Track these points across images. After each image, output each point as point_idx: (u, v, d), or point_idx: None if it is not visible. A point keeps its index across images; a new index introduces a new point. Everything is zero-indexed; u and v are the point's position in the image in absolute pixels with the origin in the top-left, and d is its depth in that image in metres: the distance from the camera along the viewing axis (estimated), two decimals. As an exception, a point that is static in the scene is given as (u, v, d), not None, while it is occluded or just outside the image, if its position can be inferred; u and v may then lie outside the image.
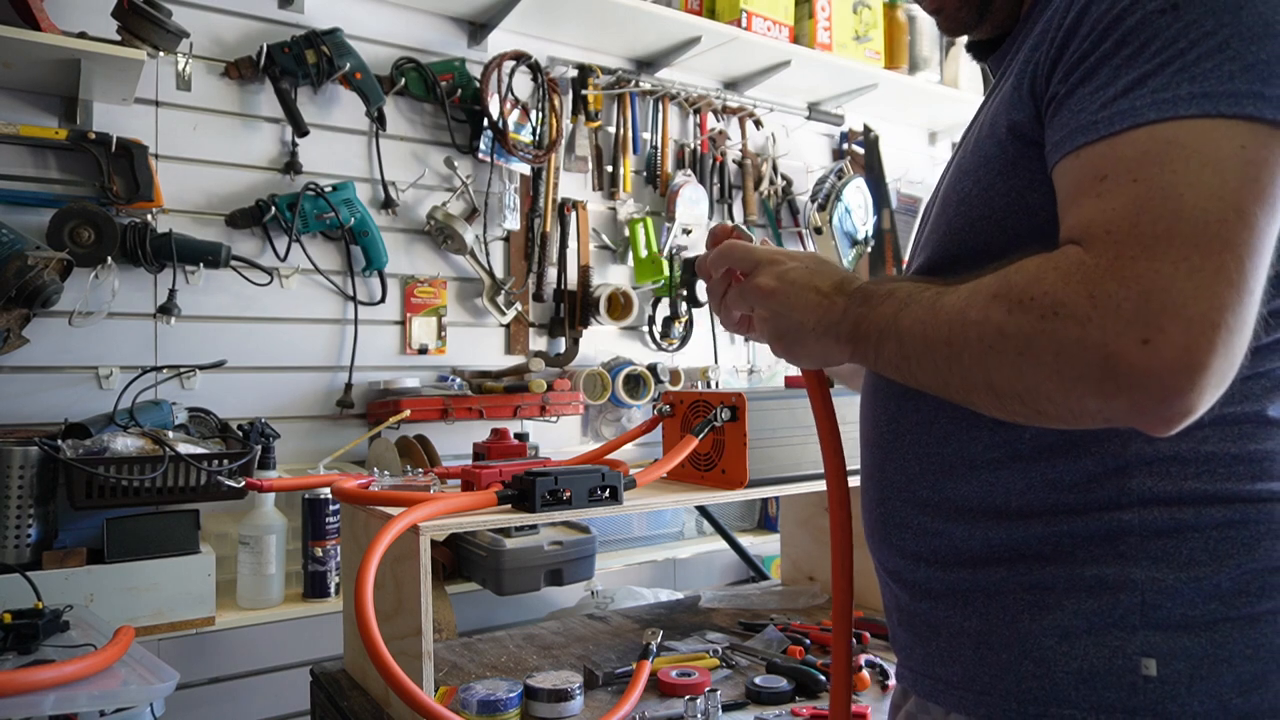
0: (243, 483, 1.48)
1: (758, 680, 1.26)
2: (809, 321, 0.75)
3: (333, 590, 1.76)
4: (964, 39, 0.89)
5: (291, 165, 1.99)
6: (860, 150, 2.87)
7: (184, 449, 1.61)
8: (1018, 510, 0.70)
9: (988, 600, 0.72)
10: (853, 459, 0.90)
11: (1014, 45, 0.79)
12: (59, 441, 1.54)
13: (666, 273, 2.44)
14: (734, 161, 2.69)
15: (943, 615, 0.75)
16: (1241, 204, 0.53)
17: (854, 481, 0.91)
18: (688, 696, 1.18)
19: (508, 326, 2.30)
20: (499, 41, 2.27)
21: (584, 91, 2.39)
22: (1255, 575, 0.64)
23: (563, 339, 2.38)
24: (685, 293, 2.49)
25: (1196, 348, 0.51)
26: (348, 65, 1.99)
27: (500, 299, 2.24)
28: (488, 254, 2.24)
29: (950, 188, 0.77)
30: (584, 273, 2.40)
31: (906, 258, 2.64)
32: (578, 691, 1.19)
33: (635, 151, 2.50)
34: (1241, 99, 0.54)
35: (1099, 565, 0.66)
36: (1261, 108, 0.54)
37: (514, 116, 2.23)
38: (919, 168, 3.10)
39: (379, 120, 2.08)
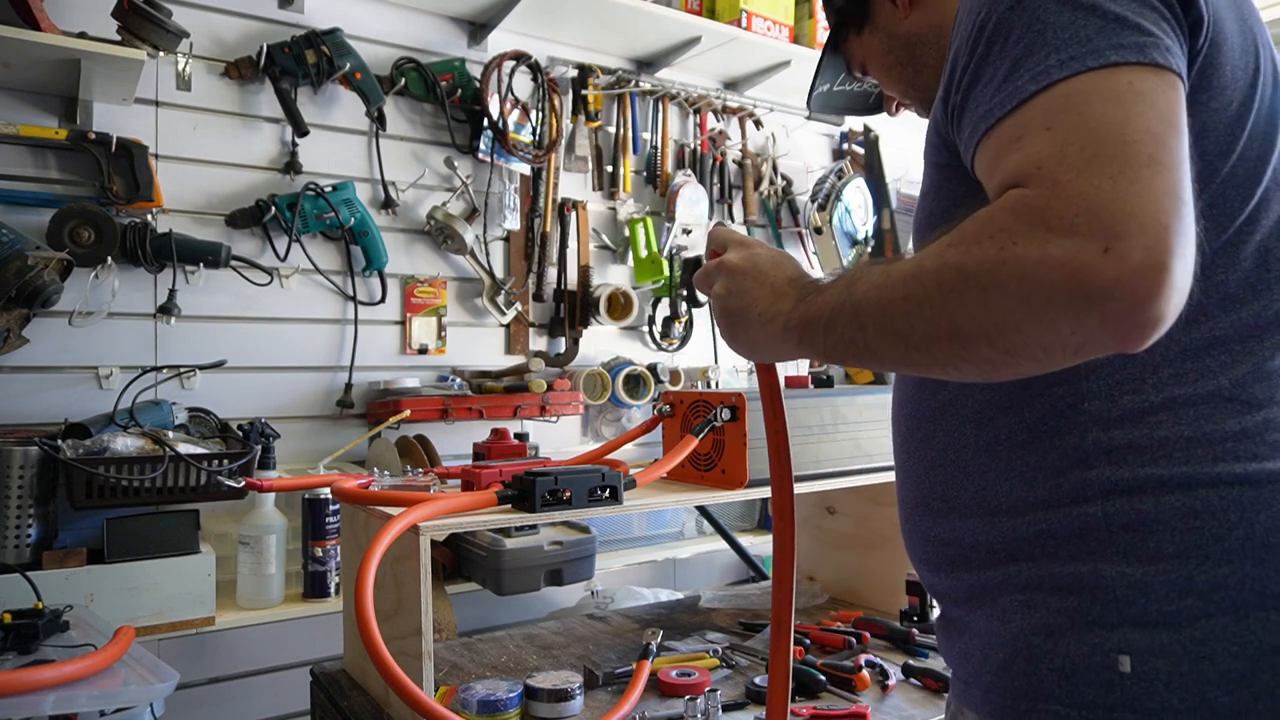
0: (243, 483, 1.48)
1: (758, 680, 1.26)
2: (756, 306, 0.78)
3: (333, 590, 1.76)
4: None
5: (291, 165, 1.99)
6: (860, 150, 2.87)
7: (184, 449, 1.61)
8: (1004, 509, 0.73)
9: (991, 601, 0.74)
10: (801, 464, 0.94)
11: None
12: (59, 441, 1.54)
13: (666, 273, 2.44)
14: (734, 161, 2.69)
15: (964, 619, 0.78)
16: (1150, 125, 0.55)
17: (801, 488, 0.98)
18: (688, 696, 1.18)
19: (508, 326, 2.30)
20: (499, 41, 2.27)
21: (584, 91, 2.39)
22: (1233, 568, 0.64)
23: (563, 339, 2.38)
24: (685, 293, 2.49)
25: (1157, 248, 0.51)
26: (348, 65, 1.99)
27: (500, 299, 2.24)
28: (488, 254, 2.24)
29: (917, 210, 0.85)
30: (584, 273, 2.40)
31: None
32: (578, 691, 1.19)
33: (635, 151, 2.50)
34: (1104, 52, 0.58)
35: (1074, 563, 0.68)
36: (1124, 54, 0.58)
37: (514, 116, 2.23)
38: (919, 168, 3.10)
39: (379, 120, 2.08)
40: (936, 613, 1.55)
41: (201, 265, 1.85)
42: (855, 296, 0.66)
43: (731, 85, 2.69)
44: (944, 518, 0.79)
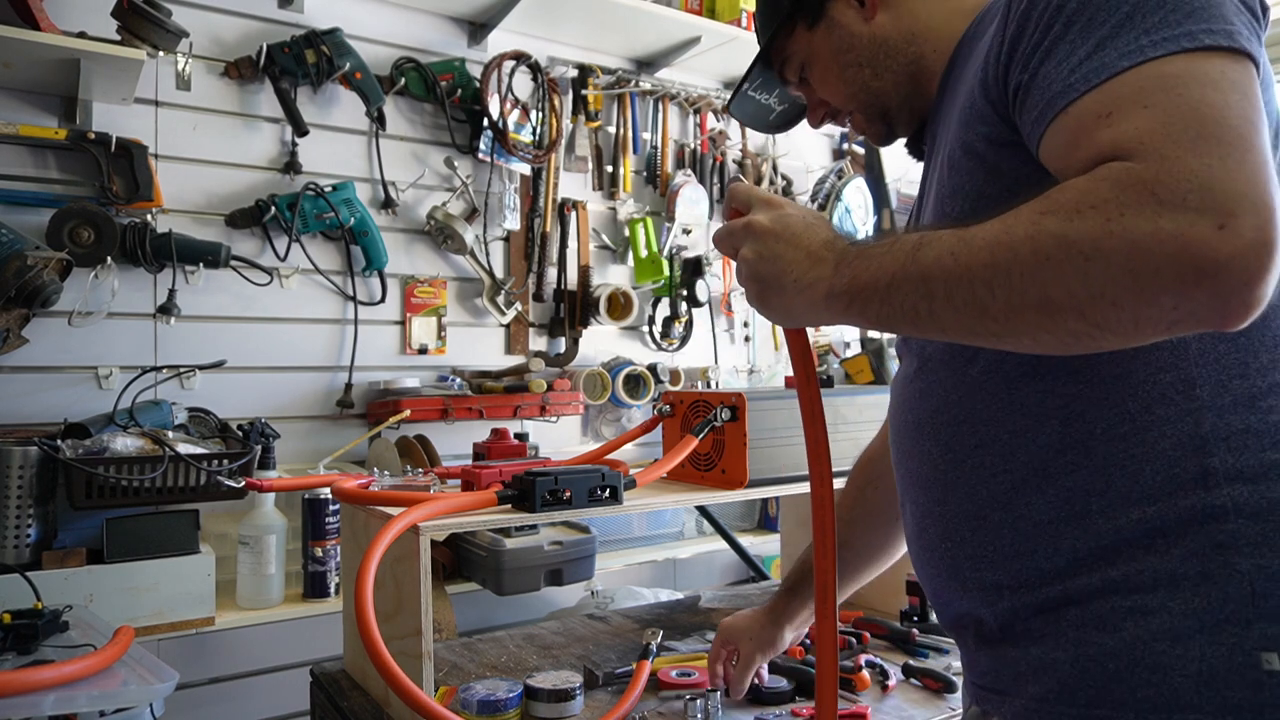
0: (243, 483, 1.48)
1: (757, 680, 1.26)
2: (792, 272, 0.73)
3: (333, 590, 1.76)
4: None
5: (291, 165, 1.99)
6: (860, 150, 2.87)
7: (184, 449, 1.61)
8: (1099, 509, 0.68)
9: (1082, 611, 0.69)
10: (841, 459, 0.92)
11: (937, 114, 0.86)
12: (59, 441, 1.54)
13: (666, 273, 2.44)
14: (734, 161, 2.69)
15: (1035, 634, 0.71)
16: (1247, 113, 0.56)
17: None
18: (688, 696, 1.18)
19: (508, 326, 2.30)
20: (499, 41, 2.27)
21: (584, 91, 2.39)
22: None
23: (563, 339, 2.38)
24: (685, 293, 2.49)
25: (1267, 227, 0.52)
26: (348, 65, 1.98)
27: (500, 299, 2.24)
28: (488, 254, 2.24)
29: (936, 215, 0.79)
30: (584, 273, 2.40)
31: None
32: (578, 691, 1.19)
33: (635, 151, 2.50)
34: (1198, 35, 0.58)
35: (1198, 559, 0.64)
36: (1217, 39, 0.58)
37: (514, 116, 2.23)
38: (918, 168, 3.10)
39: (379, 120, 2.08)
40: (932, 616, 1.55)
41: (201, 265, 1.85)
42: (923, 264, 0.63)
43: (732, 85, 2.68)
44: (1010, 529, 0.73)
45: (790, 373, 2.13)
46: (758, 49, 0.99)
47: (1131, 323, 0.56)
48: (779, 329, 2.69)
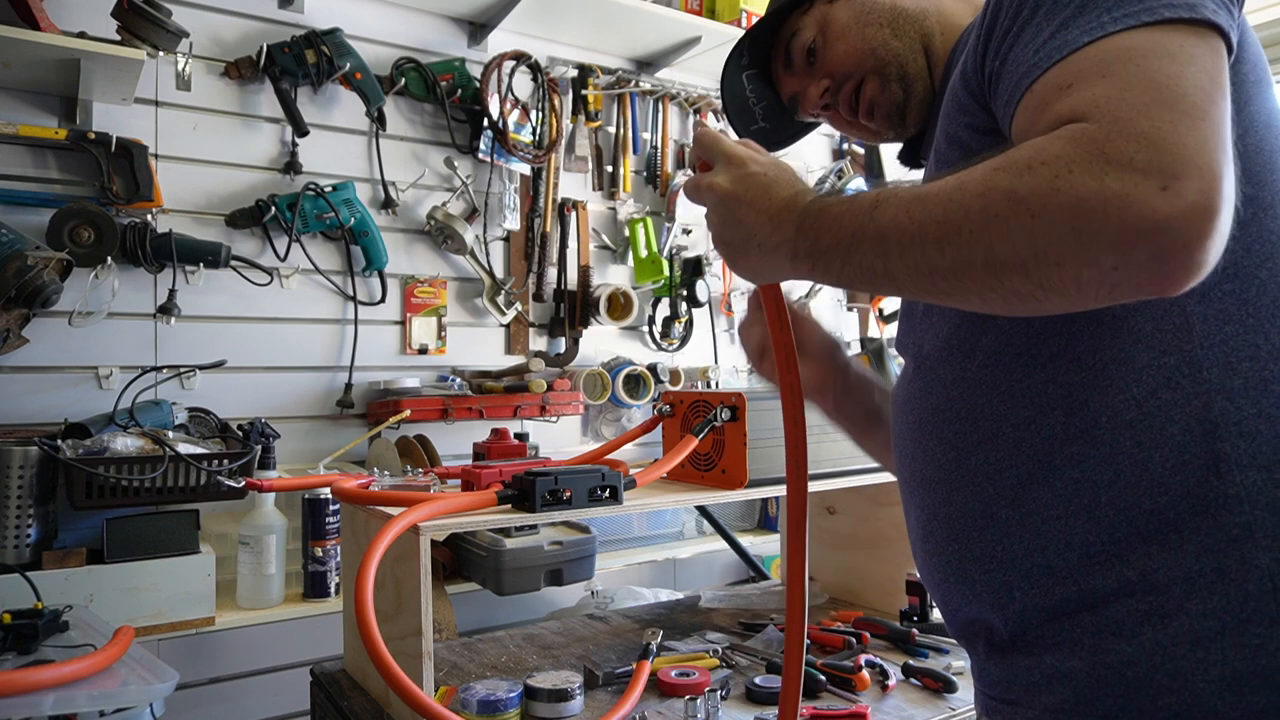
0: (243, 483, 1.48)
1: (758, 680, 1.26)
2: (756, 235, 0.74)
3: (333, 590, 1.76)
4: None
5: (291, 165, 1.99)
6: (860, 150, 2.87)
7: (184, 449, 1.61)
8: (1110, 502, 0.65)
9: (1098, 617, 0.66)
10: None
11: (938, 108, 0.85)
12: (59, 441, 1.54)
13: (666, 273, 2.44)
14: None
15: (1049, 641, 0.69)
16: (1202, 84, 0.56)
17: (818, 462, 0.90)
18: (688, 696, 1.18)
19: (508, 326, 2.30)
20: (499, 41, 2.27)
21: (584, 91, 2.39)
22: None
23: (563, 339, 2.38)
24: (685, 293, 2.49)
25: (1211, 192, 0.52)
26: (348, 65, 1.99)
27: (500, 299, 2.24)
28: (488, 254, 2.24)
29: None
30: (584, 273, 2.40)
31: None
32: (578, 691, 1.19)
33: (635, 151, 2.50)
34: (1157, 10, 0.59)
35: (1213, 554, 0.62)
36: (1178, 11, 0.58)
37: (514, 116, 2.23)
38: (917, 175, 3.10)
39: (379, 120, 2.08)
40: (935, 614, 1.55)
41: (201, 265, 1.85)
42: (880, 222, 0.63)
43: (731, 85, 2.68)
44: (1018, 525, 0.70)
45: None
46: (766, 24, 0.98)
47: (1074, 283, 0.56)
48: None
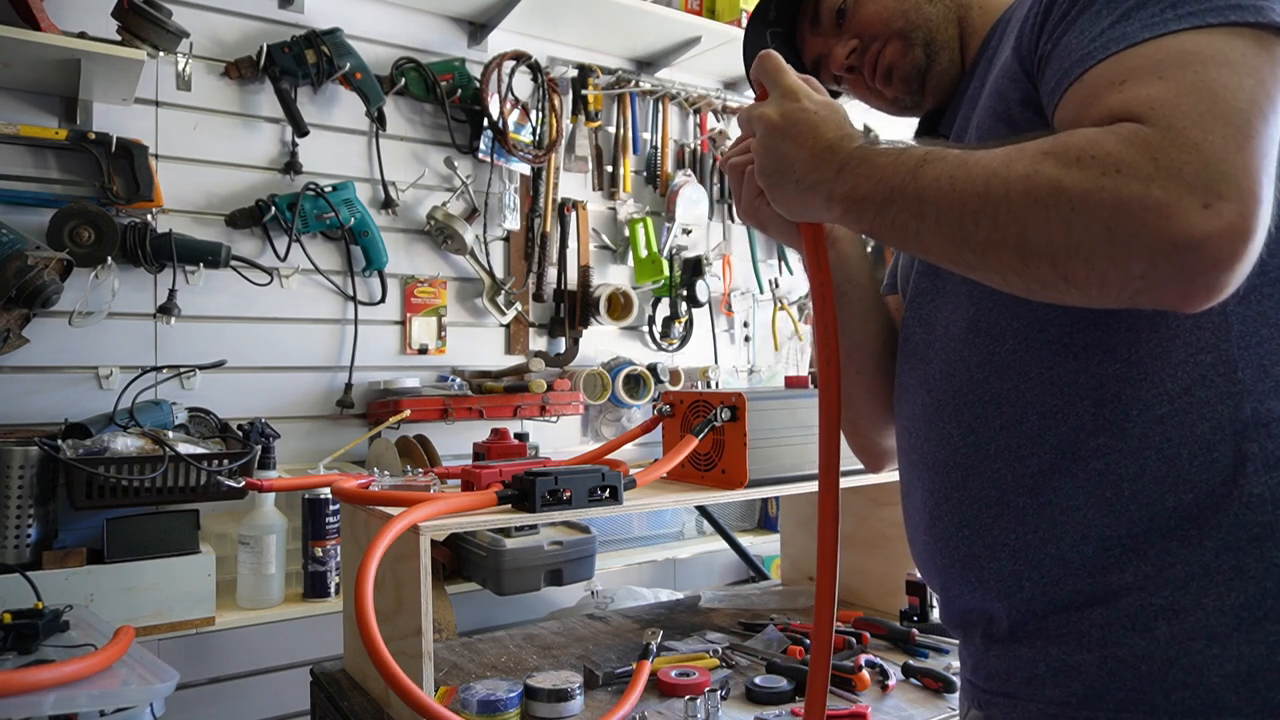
0: (243, 483, 1.48)
1: (758, 680, 1.27)
2: (795, 171, 0.72)
3: (333, 590, 1.76)
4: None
5: (291, 165, 1.99)
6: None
7: (184, 449, 1.61)
8: (1133, 496, 0.65)
9: (1109, 610, 0.66)
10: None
11: (964, 94, 0.84)
12: (59, 441, 1.54)
13: (666, 273, 2.44)
14: (734, 161, 2.68)
15: (1053, 633, 0.69)
16: (1257, 99, 0.55)
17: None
18: (688, 696, 1.18)
19: (508, 326, 2.30)
20: (499, 41, 2.27)
21: (584, 91, 2.39)
22: None
23: (563, 339, 2.38)
24: (685, 293, 2.50)
25: (1249, 215, 0.52)
26: (348, 65, 1.99)
27: (500, 299, 2.24)
28: (488, 254, 2.24)
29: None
30: (584, 273, 2.40)
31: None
32: (578, 691, 1.19)
33: (635, 151, 2.50)
34: (1223, 10, 0.57)
35: (1232, 551, 0.62)
36: (1244, 14, 0.57)
37: (514, 116, 2.23)
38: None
39: (379, 120, 2.08)
40: (935, 614, 1.55)
41: (201, 265, 1.85)
42: (922, 183, 0.62)
43: (731, 85, 2.68)
44: (1035, 515, 0.69)
45: (790, 373, 2.13)
46: None
47: (1098, 282, 0.56)
48: (777, 328, 2.69)
